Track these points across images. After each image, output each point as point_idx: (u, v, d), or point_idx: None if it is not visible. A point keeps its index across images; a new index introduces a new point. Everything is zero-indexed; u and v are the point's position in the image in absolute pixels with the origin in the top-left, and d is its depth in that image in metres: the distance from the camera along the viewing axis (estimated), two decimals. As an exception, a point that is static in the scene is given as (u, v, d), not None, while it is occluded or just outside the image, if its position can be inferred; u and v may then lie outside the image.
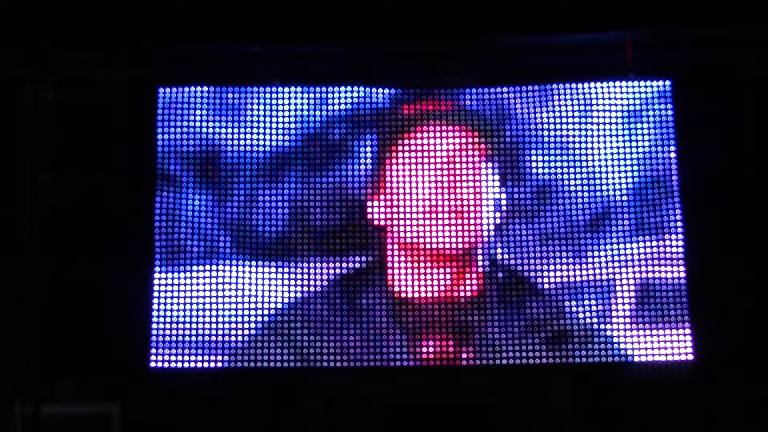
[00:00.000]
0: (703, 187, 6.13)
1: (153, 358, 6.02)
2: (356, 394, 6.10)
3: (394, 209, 6.23)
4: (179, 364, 6.01)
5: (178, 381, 6.04)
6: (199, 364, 6.01)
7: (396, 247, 6.22)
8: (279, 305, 6.09)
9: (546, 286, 6.12)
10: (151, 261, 6.12)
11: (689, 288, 6.04)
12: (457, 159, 6.27)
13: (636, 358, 6.01)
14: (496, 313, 6.09)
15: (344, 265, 6.17)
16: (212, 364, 6.01)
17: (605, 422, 6.01)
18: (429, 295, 6.14)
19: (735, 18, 5.88)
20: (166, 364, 6.01)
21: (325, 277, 6.15)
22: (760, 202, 6.16)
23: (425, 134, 6.32)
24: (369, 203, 6.28)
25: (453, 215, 6.22)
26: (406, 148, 6.31)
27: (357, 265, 6.18)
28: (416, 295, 6.14)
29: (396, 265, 6.19)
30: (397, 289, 6.16)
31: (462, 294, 6.15)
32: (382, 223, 6.25)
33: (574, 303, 6.08)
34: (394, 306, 6.11)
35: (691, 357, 5.99)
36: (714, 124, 6.19)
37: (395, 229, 6.22)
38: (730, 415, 5.98)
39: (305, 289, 6.12)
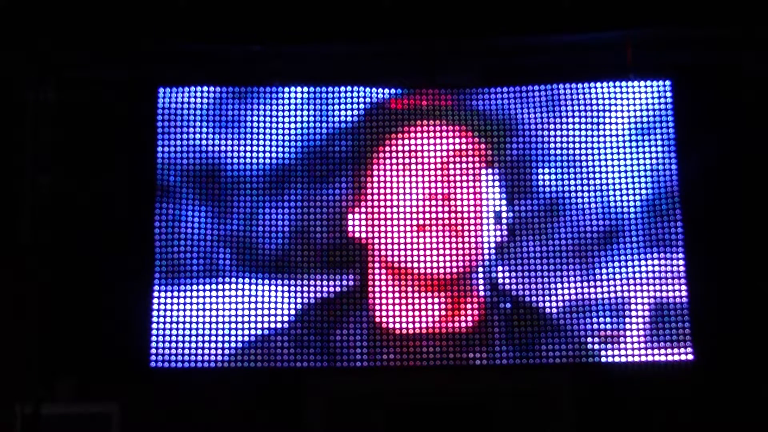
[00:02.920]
0: (703, 188, 6.12)
1: (153, 358, 6.02)
2: (356, 394, 6.10)
3: (379, 223, 6.09)
4: (179, 364, 6.01)
5: (178, 381, 6.04)
6: (200, 364, 6.01)
7: (379, 268, 6.06)
8: (279, 321, 6.04)
9: (553, 313, 5.98)
10: (151, 262, 6.12)
11: (690, 290, 6.04)
12: (454, 164, 6.19)
13: (636, 359, 6.00)
14: (499, 348, 5.97)
15: (329, 284, 6.05)
16: (212, 364, 6.01)
17: (605, 422, 6.01)
18: (419, 327, 5.98)
19: (735, 18, 5.88)
20: (166, 364, 6.01)
21: (325, 291, 6.06)
22: (760, 201, 6.16)
23: (417, 135, 6.23)
24: (350, 215, 6.13)
25: (448, 231, 6.09)
26: (395, 150, 6.20)
27: (338, 289, 6.03)
28: (403, 326, 6.00)
29: (380, 290, 6.04)
30: (379, 319, 6.02)
31: (458, 328, 5.99)
32: (364, 240, 6.09)
33: (583, 326, 5.99)
34: (376, 339, 5.98)
35: (691, 357, 5.99)
36: (714, 125, 6.18)
37: (379, 247, 6.07)
38: (730, 415, 5.98)
39: (305, 302, 6.06)
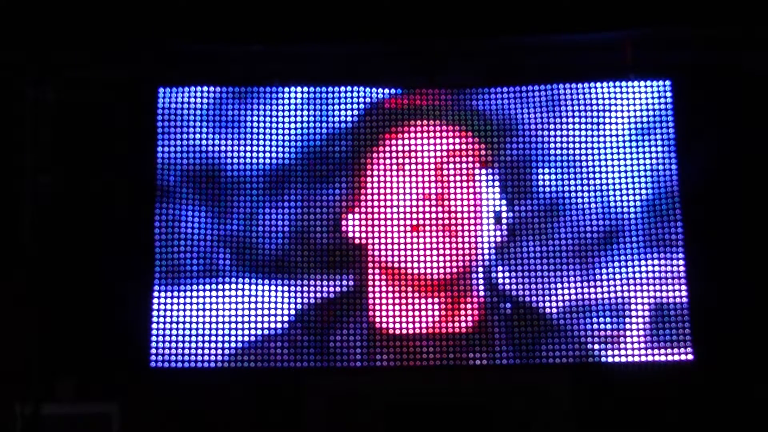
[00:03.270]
0: (703, 188, 6.12)
1: (153, 358, 6.02)
2: (356, 394, 6.10)
3: (378, 224, 6.08)
4: (179, 364, 6.01)
5: (178, 381, 6.05)
6: (200, 364, 6.01)
7: (378, 269, 6.06)
8: (278, 322, 6.04)
9: (554, 313, 5.98)
10: (151, 262, 6.12)
11: (690, 290, 6.04)
12: (452, 165, 6.17)
13: (636, 359, 6.00)
14: (499, 348, 5.96)
15: (329, 285, 6.04)
16: (212, 364, 6.01)
17: (605, 422, 6.01)
18: (418, 327, 5.97)
19: (735, 18, 5.88)
20: (166, 364, 6.01)
21: (325, 292, 6.06)
22: (760, 202, 6.16)
23: (416, 135, 6.23)
24: (345, 217, 6.12)
25: (446, 232, 6.07)
26: (393, 151, 6.19)
27: (337, 289, 6.01)
28: (402, 327, 5.99)
29: (379, 291, 6.03)
30: (378, 320, 6.02)
31: (457, 328, 5.97)
32: (361, 241, 6.08)
33: (583, 326, 5.98)
34: (375, 340, 5.98)
35: (691, 357, 5.99)
36: (714, 125, 6.18)
37: (377, 248, 6.06)
38: (730, 415, 5.98)
39: (304, 303, 6.05)
